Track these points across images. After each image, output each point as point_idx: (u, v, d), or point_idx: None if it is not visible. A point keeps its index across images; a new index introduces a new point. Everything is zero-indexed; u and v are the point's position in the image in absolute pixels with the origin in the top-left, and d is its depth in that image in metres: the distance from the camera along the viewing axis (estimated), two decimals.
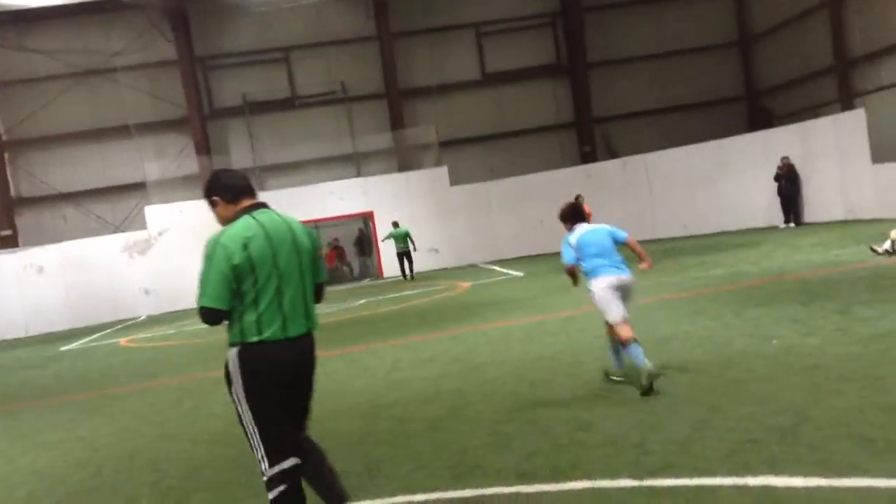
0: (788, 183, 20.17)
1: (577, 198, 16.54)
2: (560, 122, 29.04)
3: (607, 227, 6.25)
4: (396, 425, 5.94)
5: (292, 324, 3.49)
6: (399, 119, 27.47)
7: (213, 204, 3.70)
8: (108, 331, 19.92)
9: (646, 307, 10.03)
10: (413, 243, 21.76)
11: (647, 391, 5.61)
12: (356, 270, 27.18)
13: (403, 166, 27.06)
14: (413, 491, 4.39)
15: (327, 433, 5.93)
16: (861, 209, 18.58)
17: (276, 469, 3.45)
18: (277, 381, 3.47)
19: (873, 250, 11.48)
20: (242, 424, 3.53)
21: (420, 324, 12.11)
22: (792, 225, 20.05)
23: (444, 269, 24.30)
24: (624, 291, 6.01)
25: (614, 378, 6.20)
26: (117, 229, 25.85)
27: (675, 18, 28.88)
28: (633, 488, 3.93)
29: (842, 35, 24.14)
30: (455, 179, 25.61)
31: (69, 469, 6.10)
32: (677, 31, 28.81)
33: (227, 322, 3.52)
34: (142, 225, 24.36)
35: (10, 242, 25.41)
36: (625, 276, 6.02)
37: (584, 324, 9.48)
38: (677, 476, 4.00)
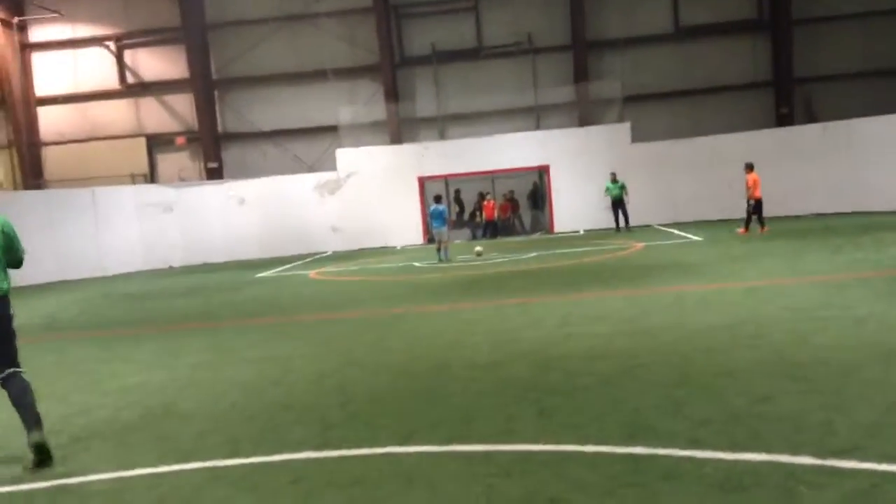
0: None
1: (748, 165, 17.57)
2: (755, 82, 27.20)
3: (442, 207, 17.95)
4: (568, 378, 6.05)
5: None
6: (583, 72, 26.94)
7: None
8: (298, 263, 21.47)
9: (841, 284, 9.45)
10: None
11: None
12: (527, 223, 27.29)
13: (584, 121, 26.64)
14: (584, 442, 4.49)
15: (501, 378, 6.21)
16: None
17: None
18: None
19: None
20: None
21: (591, 281, 12.10)
22: None
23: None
24: (441, 236, 17.59)
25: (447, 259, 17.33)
26: (311, 168, 27.56)
27: None
28: (814, 466, 3.82)
29: None
30: (637, 136, 24.91)
31: (266, 385, 6.68)
32: None
33: None
34: (332, 166, 25.83)
35: (216, 174, 27.91)
36: (443, 229, 17.59)
37: (768, 295, 9.09)
38: (863, 459, 3.84)
